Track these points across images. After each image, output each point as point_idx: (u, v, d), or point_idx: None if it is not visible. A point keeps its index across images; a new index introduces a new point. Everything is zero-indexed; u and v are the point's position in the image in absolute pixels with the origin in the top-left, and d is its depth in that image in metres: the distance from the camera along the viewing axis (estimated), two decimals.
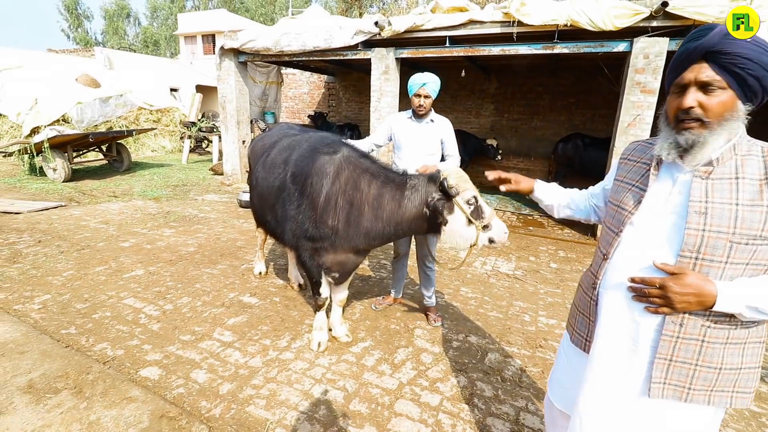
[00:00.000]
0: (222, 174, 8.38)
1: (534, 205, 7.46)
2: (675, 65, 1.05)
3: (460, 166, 7.78)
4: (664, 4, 4.38)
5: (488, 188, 9.27)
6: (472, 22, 5.39)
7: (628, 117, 4.97)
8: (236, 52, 7.32)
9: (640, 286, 1.09)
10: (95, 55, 14.57)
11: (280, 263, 4.12)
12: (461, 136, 8.19)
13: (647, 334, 1.10)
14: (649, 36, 4.68)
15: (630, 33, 4.73)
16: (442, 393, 2.33)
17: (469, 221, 2.10)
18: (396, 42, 6.09)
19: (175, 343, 2.67)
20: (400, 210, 2.22)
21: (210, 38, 21.67)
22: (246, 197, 5.62)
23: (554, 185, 1.58)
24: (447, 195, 2.10)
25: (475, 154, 8.40)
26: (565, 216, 1.57)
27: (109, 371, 2.35)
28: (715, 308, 1.00)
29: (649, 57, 4.73)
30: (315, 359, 2.56)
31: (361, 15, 14.27)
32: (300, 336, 2.81)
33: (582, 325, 1.33)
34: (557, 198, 1.56)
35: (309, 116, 10.16)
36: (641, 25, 4.58)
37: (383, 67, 6.28)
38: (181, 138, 11.20)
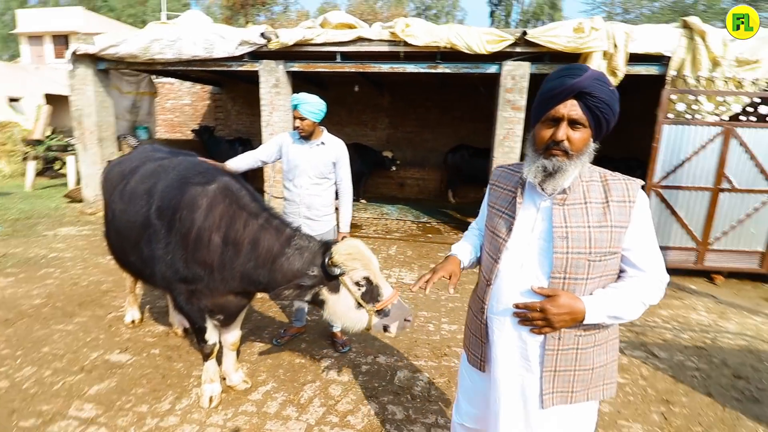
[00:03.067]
0: (81, 201, 7.06)
1: (432, 213, 7.88)
2: (548, 97, 1.11)
3: (361, 179, 7.79)
4: (524, 33, 5.01)
5: (389, 198, 9.54)
6: (361, 39, 5.48)
7: (503, 131, 5.54)
8: (94, 59, 6.28)
9: (524, 311, 1.16)
10: None
11: (160, 305, 3.56)
12: (360, 149, 8.29)
13: (535, 351, 1.20)
14: (514, 60, 5.30)
15: (500, 57, 5.30)
16: (353, 426, 2.20)
17: (359, 305, 1.87)
18: (286, 55, 5.88)
19: None
20: (274, 266, 1.95)
21: (63, 39, 18.51)
22: None
23: (463, 245, 1.48)
24: (328, 274, 1.86)
25: (373, 166, 8.56)
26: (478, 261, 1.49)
27: None
28: (585, 322, 1.13)
29: (515, 78, 5.35)
30: (206, 418, 2.21)
31: (247, 24, 13.59)
32: (187, 393, 2.42)
33: (476, 347, 1.37)
34: (468, 254, 1.46)
35: (193, 131, 9.23)
36: (508, 50, 5.16)
37: (273, 80, 6.01)
38: (24, 159, 9.20)
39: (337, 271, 1.83)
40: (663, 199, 4.71)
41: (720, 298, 4.33)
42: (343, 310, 1.89)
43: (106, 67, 6.40)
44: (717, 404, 2.53)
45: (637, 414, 2.42)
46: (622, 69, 4.90)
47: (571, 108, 1.08)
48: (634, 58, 4.98)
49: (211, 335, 2.25)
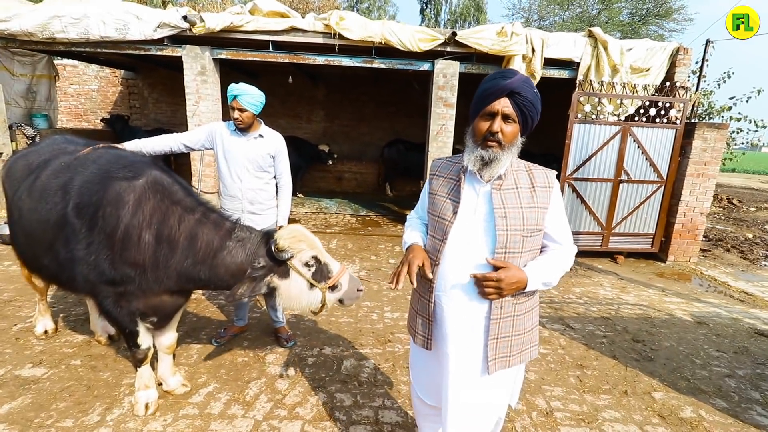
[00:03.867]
0: None
1: (371, 206, 7.99)
2: (485, 96, 1.28)
3: (298, 174, 7.63)
4: (454, 34, 5.27)
5: (326, 192, 9.46)
6: (294, 29, 5.34)
7: (436, 126, 5.80)
8: None
9: (481, 281, 1.29)
10: None
11: (76, 312, 3.22)
12: (295, 142, 8.09)
13: (480, 321, 1.36)
14: (445, 59, 5.55)
15: (431, 55, 5.52)
16: (302, 417, 2.22)
17: (311, 285, 1.92)
18: (212, 41, 5.53)
19: None
20: (216, 260, 1.90)
21: None
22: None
23: (414, 234, 1.52)
24: (276, 260, 1.87)
25: (311, 160, 8.43)
26: None
27: None
28: (527, 289, 1.31)
29: (447, 76, 5.61)
30: (144, 426, 2.08)
31: (165, 5, 12.43)
32: (119, 402, 2.24)
33: (423, 327, 1.48)
34: (421, 241, 1.52)
35: (103, 119, 8.31)
36: (440, 49, 5.39)
37: (198, 67, 5.63)
38: None
39: (285, 255, 1.85)
40: (575, 190, 5.30)
41: (621, 275, 5.01)
42: (297, 293, 1.92)
43: None
44: (621, 365, 2.95)
45: (558, 379, 2.74)
46: (539, 72, 5.38)
47: (504, 105, 1.26)
48: (549, 63, 5.51)
49: (144, 339, 2.10)
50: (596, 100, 5.10)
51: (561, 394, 2.57)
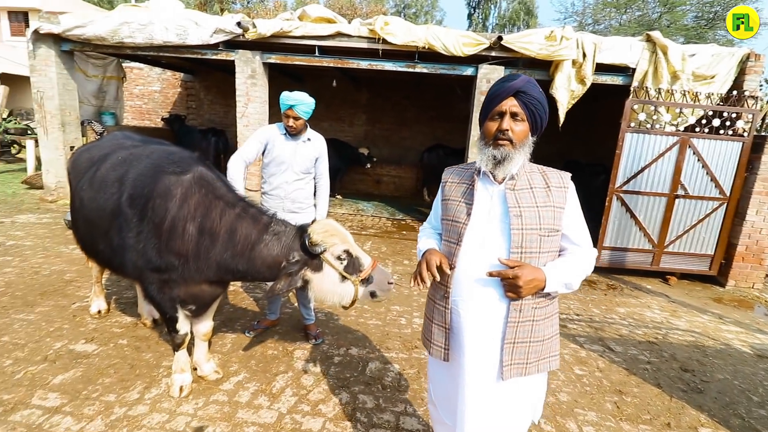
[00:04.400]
0: (42, 188, 6.71)
1: (408, 211, 7.98)
2: (492, 98, 1.32)
3: (337, 175, 7.81)
4: (500, 38, 5.17)
5: (365, 195, 9.57)
6: (340, 34, 5.48)
7: (478, 132, 5.69)
8: (57, 39, 5.97)
9: (500, 279, 1.28)
10: None
11: (128, 296, 3.47)
12: (336, 144, 8.27)
13: (498, 325, 1.33)
14: (489, 64, 5.45)
15: (475, 60, 5.45)
16: (324, 415, 2.25)
17: (343, 278, 1.95)
18: (263, 45, 5.80)
19: None
20: (253, 252, 1.99)
21: (21, 16, 17.39)
22: None
23: (427, 241, 1.53)
24: (311, 253, 1.92)
25: (350, 163, 8.57)
26: None
27: None
28: (545, 290, 1.28)
29: (490, 81, 5.50)
30: (177, 407, 2.20)
31: (222, 12, 13.23)
32: (157, 383, 2.39)
33: (439, 336, 1.44)
34: (435, 245, 1.51)
35: (163, 119, 8.90)
36: (484, 53, 5.31)
37: (249, 70, 5.91)
38: None
39: (318, 249, 1.90)
40: (624, 203, 5.00)
41: (672, 298, 4.65)
42: (329, 287, 1.96)
43: (71, 48, 6.11)
44: (665, 394, 2.74)
45: (593, 403, 2.58)
46: (590, 77, 5.15)
47: (511, 104, 1.29)
48: (602, 68, 5.25)
49: (183, 325, 2.23)
50: (652, 108, 4.79)
51: (595, 419, 2.42)
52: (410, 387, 2.57)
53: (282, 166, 2.71)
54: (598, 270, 5.20)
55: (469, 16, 25.00)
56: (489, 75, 5.48)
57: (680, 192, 4.87)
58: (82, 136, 6.78)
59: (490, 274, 1.27)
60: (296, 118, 2.62)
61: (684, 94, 4.81)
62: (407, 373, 2.71)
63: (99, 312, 3.09)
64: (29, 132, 8.80)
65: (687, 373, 3.03)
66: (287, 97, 2.60)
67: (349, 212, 7.50)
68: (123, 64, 8.28)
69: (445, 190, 1.47)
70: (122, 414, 2.12)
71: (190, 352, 2.44)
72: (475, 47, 5.23)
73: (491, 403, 1.35)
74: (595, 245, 5.27)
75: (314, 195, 2.94)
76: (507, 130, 1.28)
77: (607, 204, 4.99)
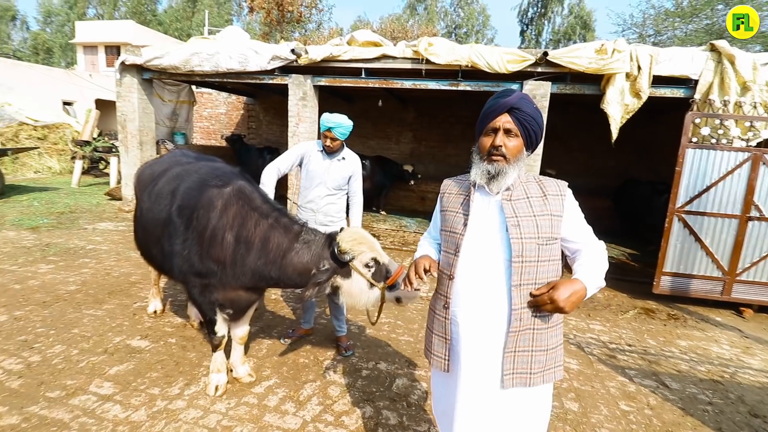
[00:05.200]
0: (120, 199, 7.57)
1: None
2: (487, 114, 1.35)
3: (381, 192, 7.97)
4: (545, 54, 5.07)
5: (409, 211, 9.62)
6: (385, 56, 5.69)
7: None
8: (140, 69, 6.80)
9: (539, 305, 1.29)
10: None
11: (181, 299, 3.78)
12: (382, 161, 8.46)
13: (498, 335, 1.32)
14: (535, 80, 5.34)
15: (520, 76, 5.37)
16: (347, 427, 2.28)
17: (371, 284, 2.01)
18: (314, 69, 6.17)
19: (39, 401, 2.27)
20: (285, 260, 2.11)
21: (114, 50, 19.97)
22: None
23: (425, 249, 1.56)
24: (340, 262, 2.02)
25: (394, 179, 8.70)
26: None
27: None
28: (587, 296, 1.28)
29: (536, 98, 5.37)
30: (211, 405, 2.35)
31: (285, 39, 14.25)
32: (196, 380, 2.57)
33: (439, 347, 1.45)
34: (433, 253, 1.54)
35: (225, 138, 9.64)
36: (529, 70, 5.22)
37: (301, 93, 6.30)
38: (73, 158, 9.96)
39: (347, 257, 1.98)
40: (686, 225, 4.57)
41: (746, 333, 4.13)
42: (358, 293, 2.04)
43: (150, 76, 6.91)
44: None
45: None
46: (646, 91, 4.84)
47: (504, 120, 1.32)
48: (661, 80, 4.93)
49: (221, 328, 2.40)
50: (717, 122, 4.39)
51: None
52: None
53: (315, 181, 2.86)
54: (657, 298, 4.77)
55: (522, 32, 24.63)
56: (534, 91, 5.36)
57: (754, 213, 4.37)
58: (157, 153, 7.58)
59: (530, 304, 1.29)
60: (333, 139, 2.76)
61: (755, 106, 4.36)
62: None
63: (155, 312, 3.40)
64: (114, 150, 10.01)
65: (757, 418, 2.67)
66: (327, 120, 2.75)
67: (391, 228, 7.58)
68: (194, 90, 9.19)
69: (444, 201, 1.50)
70: (163, 407, 2.31)
71: (228, 354, 2.60)
72: (520, 63, 5.17)
73: (492, 415, 1.32)
74: (654, 269, 4.79)
75: (347, 210, 3.04)
76: (500, 146, 1.31)
77: (667, 225, 4.60)
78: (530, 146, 1.36)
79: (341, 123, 2.73)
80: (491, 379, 1.32)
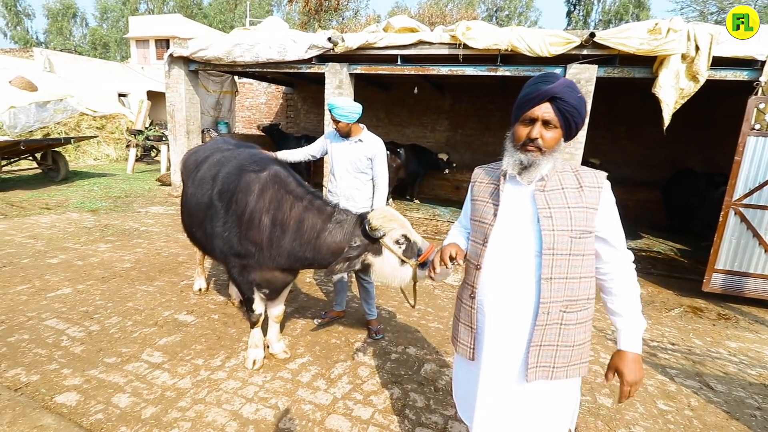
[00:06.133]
0: (170, 185, 8.06)
1: None
2: (525, 101, 1.26)
3: (416, 180, 7.98)
4: (592, 35, 4.80)
5: (443, 200, 9.55)
6: (421, 42, 5.61)
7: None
8: (186, 60, 7.13)
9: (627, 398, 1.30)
10: (34, 57, 13.64)
11: (223, 279, 4.01)
12: (416, 150, 8.41)
13: (524, 328, 1.31)
14: (580, 63, 5.08)
15: (564, 60, 5.12)
16: (375, 406, 2.36)
17: (402, 261, 2.04)
18: (350, 57, 6.20)
19: (98, 366, 2.53)
20: (318, 241, 2.18)
21: (164, 43, 20.96)
22: None
23: (454, 236, 1.55)
24: (371, 238, 2.06)
25: (428, 168, 8.63)
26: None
27: (20, 398, 2.19)
28: (640, 352, 1.28)
29: (581, 82, 5.12)
30: (249, 378, 2.51)
31: (323, 28, 14.37)
32: (236, 354, 2.75)
33: (465, 335, 1.45)
34: (462, 242, 1.53)
35: (261, 128, 9.67)
36: (573, 52, 4.96)
37: (337, 81, 6.36)
38: (127, 146, 10.68)
39: (378, 233, 2.02)
40: (744, 219, 4.24)
41: None
42: (389, 270, 2.07)
43: (196, 68, 7.23)
44: None
45: None
46: (704, 74, 4.48)
47: (544, 110, 1.23)
48: (722, 62, 4.54)
49: (258, 306, 2.54)
50: None
51: None
52: None
53: (336, 165, 2.96)
54: (707, 296, 4.48)
55: (569, 13, 23.29)
56: (579, 75, 5.11)
57: None
58: (202, 142, 7.97)
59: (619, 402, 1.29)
60: (336, 121, 2.82)
61: None
62: None
63: (200, 290, 3.64)
64: (164, 138, 10.64)
65: None
66: (328, 103, 2.84)
67: (425, 216, 7.56)
68: (236, 80, 9.52)
69: (474, 190, 1.47)
70: (206, 377, 2.49)
71: (265, 332, 2.75)
72: (564, 46, 4.92)
73: (512, 405, 1.32)
74: (704, 266, 4.51)
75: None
76: (536, 138, 1.24)
77: (721, 219, 4.28)
78: (569, 136, 1.29)
79: (336, 104, 2.76)
80: (514, 371, 1.32)
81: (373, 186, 2.99)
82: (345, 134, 2.89)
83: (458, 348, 1.49)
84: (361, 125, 2.94)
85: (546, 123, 1.24)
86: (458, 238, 1.53)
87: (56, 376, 2.41)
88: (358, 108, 2.82)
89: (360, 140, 2.91)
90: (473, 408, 1.40)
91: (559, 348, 1.29)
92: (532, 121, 1.26)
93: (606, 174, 1.31)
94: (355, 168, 2.91)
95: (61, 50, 22.10)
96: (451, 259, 1.40)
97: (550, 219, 1.25)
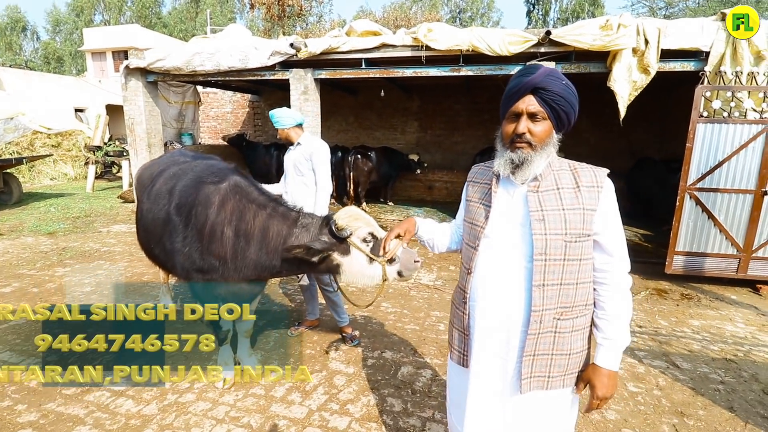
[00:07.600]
0: (133, 201, 7.73)
1: None
2: (508, 96, 1.21)
3: (388, 182, 7.98)
4: (548, 33, 4.94)
5: (416, 201, 9.59)
6: (384, 45, 5.62)
7: None
8: (144, 72, 6.88)
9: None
10: None
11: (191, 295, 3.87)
12: (387, 152, 8.42)
13: (516, 336, 1.24)
14: (539, 60, 5.21)
15: (523, 58, 5.25)
16: (352, 414, 2.32)
17: (371, 259, 2.02)
18: (314, 63, 6.14)
19: (56, 398, 2.37)
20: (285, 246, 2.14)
21: (122, 55, 20.19)
22: None
23: (431, 222, 1.57)
24: (337, 238, 2.05)
25: (400, 169, 8.66)
26: (444, 250, 1.58)
27: None
28: (618, 369, 1.23)
29: None
30: (219, 398, 2.42)
31: (286, 34, 14.23)
32: (205, 374, 2.64)
33: (459, 341, 1.40)
34: (436, 233, 1.56)
35: (225, 139, 9.19)
36: (532, 50, 5.10)
37: (302, 87, 6.29)
38: (86, 164, 10.20)
39: (345, 233, 2.00)
40: (699, 202, 4.45)
41: (763, 310, 4.02)
42: (359, 268, 2.05)
43: (155, 79, 6.99)
44: (738, 419, 2.39)
45: (646, 424, 2.34)
46: (654, 66, 4.69)
47: (528, 103, 1.17)
48: (670, 54, 4.77)
49: (225, 322, 2.45)
50: (729, 94, 4.23)
51: None
52: (441, 393, 2.54)
53: (286, 172, 3.05)
54: (670, 278, 4.67)
55: (528, 13, 24.04)
56: None
57: None
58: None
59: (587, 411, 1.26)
60: (276, 129, 2.96)
61: None
62: (440, 379, 2.68)
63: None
64: (125, 154, 10.21)
65: None
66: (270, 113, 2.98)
67: (399, 218, 7.58)
68: (199, 90, 9.27)
69: (469, 191, 1.40)
70: (173, 401, 2.39)
71: (234, 348, 2.66)
72: (523, 44, 5.05)
73: (504, 417, 1.27)
74: (667, 248, 4.65)
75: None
76: (523, 133, 1.18)
77: (678, 203, 4.48)
78: (561, 128, 1.22)
79: (273, 114, 2.93)
80: (507, 380, 1.27)
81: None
82: (287, 140, 2.99)
83: (452, 354, 1.44)
84: (301, 130, 3.01)
85: (533, 116, 1.18)
86: (427, 221, 1.52)
87: (9, 413, 2.25)
88: (289, 113, 2.93)
89: (299, 143, 2.97)
90: (463, 417, 1.35)
91: (555, 357, 1.22)
92: (518, 116, 1.19)
93: (607, 171, 1.23)
94: (298, 171, 2.94)
95: (10, 66, 20.94)
96: (399, 237, 1.41)
97: (542, 222, 1.18)
